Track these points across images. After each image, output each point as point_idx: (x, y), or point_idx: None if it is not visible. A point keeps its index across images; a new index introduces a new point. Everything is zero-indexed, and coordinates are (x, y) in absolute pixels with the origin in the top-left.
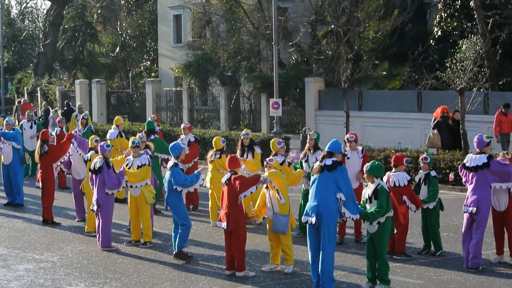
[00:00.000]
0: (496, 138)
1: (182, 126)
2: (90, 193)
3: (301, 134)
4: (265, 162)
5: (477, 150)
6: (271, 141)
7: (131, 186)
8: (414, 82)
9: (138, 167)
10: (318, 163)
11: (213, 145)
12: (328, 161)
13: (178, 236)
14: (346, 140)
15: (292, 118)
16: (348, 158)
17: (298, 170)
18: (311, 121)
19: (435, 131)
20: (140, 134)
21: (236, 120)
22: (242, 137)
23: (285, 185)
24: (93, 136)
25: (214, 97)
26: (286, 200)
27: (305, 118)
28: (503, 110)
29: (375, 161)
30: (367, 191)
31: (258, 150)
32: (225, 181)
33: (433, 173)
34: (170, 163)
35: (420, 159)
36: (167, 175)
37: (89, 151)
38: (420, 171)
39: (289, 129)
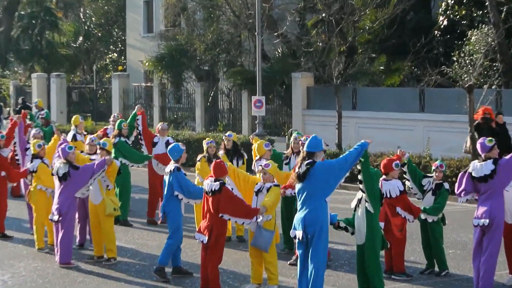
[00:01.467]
0: None
1: (160, 126)
2: (39, 205)
3: (286, 137)
4: (260, 167)
5: (482, 156)
6: (257, 143)
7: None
8: (416, 79)
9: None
10: (296, 169)
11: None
12: (302, 167)
13: (162, 251)
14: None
15: (277, 118)
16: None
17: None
18: (298, 122)
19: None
20: (92, 136)
21: (214, 120)
22: (224, 140)
23: (277, 203)
24: (35, 140)
25: (189, 94)
26: (273, 215)
27: (292, 119)
28: None
29: (372, 167)
30: (357, 196)
31: (245, 156)
32: (211, 190)
33: (446, 185)
34: (170, 167)
35: (434, 167)
36: (166, 179)
37: (32, 158)
38: (429, 178)
39: (274, 130)
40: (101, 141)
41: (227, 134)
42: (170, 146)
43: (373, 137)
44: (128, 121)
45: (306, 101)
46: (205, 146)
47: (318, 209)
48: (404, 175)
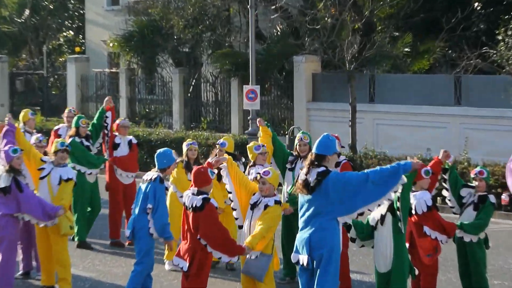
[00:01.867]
0: None
1: (120, 122)
2: None
3: (287, 136)
4: (258, 175)
5: None
6: (248, 146)
7: None
8: (450, 63)
9: (62, 181)
10: (301, 175)
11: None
12: (312, 176)
13: (128, 280)
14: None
15: (275, 113)
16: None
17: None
18: (301, 118)
19: None
20: (40, 136)
21: (196, 115)
22: (217, 148)
23: (275, 227)
24: None
25: (165, 83)
26: (271, 236)
27: (294, 114)
28: None
29: None
30: (379, 211)
31: (242, 167)
32: (192, 206)
33: (491, 198)
34: (152, 175)
35: (472, 174)
36: (143, 188)
37: None
38: (471, 189)
39: (271, 128)
40: (61, 140)
41: (219, 142)
42: (160, 150)
43: (395, 137)
44: (94, 120)
45: (311, 91)
46: (184, 149)
47: (327, 228)
48: (443, 184)
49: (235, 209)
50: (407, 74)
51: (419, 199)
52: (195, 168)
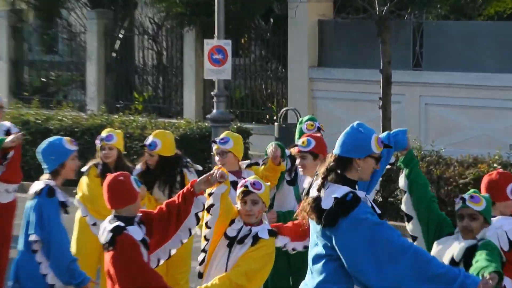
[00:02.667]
0: None
1: None
2: None
3: (276, 125)
4: (239, 188)
5: None
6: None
7: None
8: None
9: None
10: (313, 189)
11: None
12: (327, 201)
13: None
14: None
15: (258, 85)
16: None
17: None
18: (301, 94)
19: None
20: None
21: (125, 88)
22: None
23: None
24: None
25: (75, 35)
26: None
27: (287, 87)
28: None
29: (475, 190)
30: (451, 251)
31: (191, 177)
32: (108, 241)
33: None
34: (38, 185)
35: None
36: (26, 209)
37: None
38: None
39: (250, 111)
40: None
41: (147, 141)
42: (43, 143)
43: (455, 124)
44: None
45: (317, 50)
46: (97, 147)
47: (339, 280)
48: None
49: (205, 251)
50: (475, 21)
51: (496, 229)
52: (108, 177)
